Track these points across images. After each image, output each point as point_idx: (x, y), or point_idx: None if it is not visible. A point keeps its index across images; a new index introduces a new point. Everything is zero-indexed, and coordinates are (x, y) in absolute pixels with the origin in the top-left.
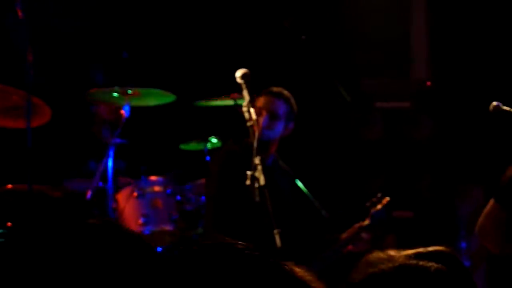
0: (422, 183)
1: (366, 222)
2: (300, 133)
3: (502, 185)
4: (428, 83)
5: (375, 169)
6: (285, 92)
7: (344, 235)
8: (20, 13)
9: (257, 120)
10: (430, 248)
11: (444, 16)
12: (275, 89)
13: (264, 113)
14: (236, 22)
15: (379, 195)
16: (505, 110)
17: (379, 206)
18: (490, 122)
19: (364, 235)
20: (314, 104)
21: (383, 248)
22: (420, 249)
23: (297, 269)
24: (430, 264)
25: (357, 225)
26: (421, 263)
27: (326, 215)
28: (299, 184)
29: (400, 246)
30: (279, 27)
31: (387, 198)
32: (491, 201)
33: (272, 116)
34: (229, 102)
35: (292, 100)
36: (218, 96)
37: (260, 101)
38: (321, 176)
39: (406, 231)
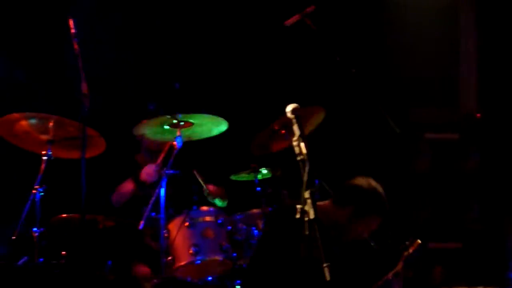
0: (471, 214)
1: (400, 266)
2: (350, 163)
3: None
4: (478, 115)
5: (423, 200)
6: None
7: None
8: (76, 46)
9: (356, 228)
10: None
11: (494, 48)
12: None
13: (368, 232)
14: (288, 56)
15: (411, 238)
16: None
17: (411, 250)
18: None
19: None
20: (364, 135)
21: (430, 279)
22: None
23: None
24: None
25: (391, 272)
26: None
27: (376, 247)
28: None
29: (447, 278)
30: (331, 60)
31: (419, 241)
32: None
33: None
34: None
35: None
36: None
37: (374, 222)
38: None
39: (454, 263)
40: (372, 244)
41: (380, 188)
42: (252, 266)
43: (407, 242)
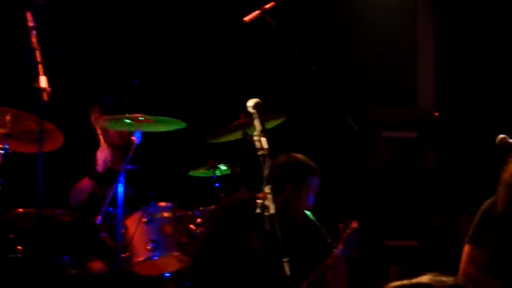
0: (428, 212)
1: (340, 248)
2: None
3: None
4: (435, 113)
5: (380, 198)
6: None
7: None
8: (34, 39)
9: (303, 198)
10: (414, 281)
11: (451, 47)
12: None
13: (313, 194)
14: (247, 52)
15: (347, 219)
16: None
17: (348, 231)
18: (496, 153)
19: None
20: (322, 133)
21: (386, 278)
22: (405, 282)
23: None
24: None
25: (334, 253)
26: None
27: (333, 243)
28: (308, 213)
29: (403, 276)
30: (289, 57)
31: (355, 222)
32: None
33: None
34: (238, 135)
35: None
36: (228, 123)
37: (313, 182)
38: (327, 205)
39: (411, 261)
40: (329, 240)
41: (299, 155)
42: (202, 262)
43: (344, 224)
